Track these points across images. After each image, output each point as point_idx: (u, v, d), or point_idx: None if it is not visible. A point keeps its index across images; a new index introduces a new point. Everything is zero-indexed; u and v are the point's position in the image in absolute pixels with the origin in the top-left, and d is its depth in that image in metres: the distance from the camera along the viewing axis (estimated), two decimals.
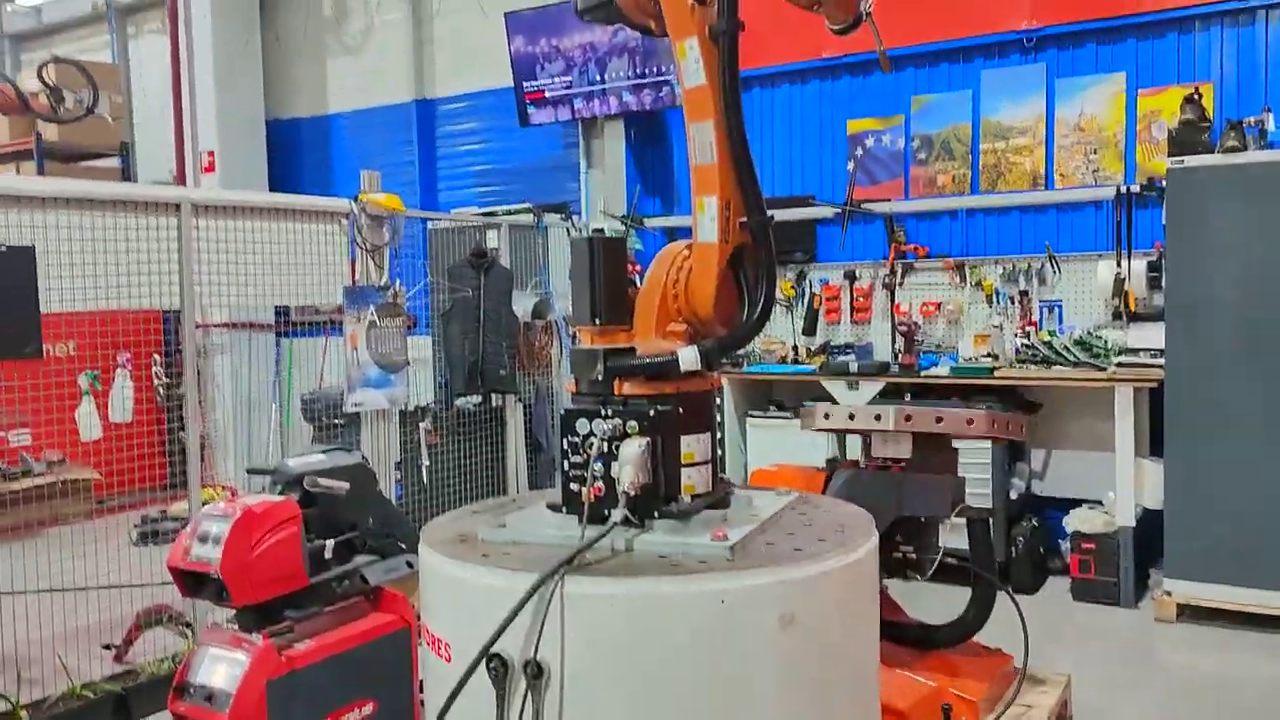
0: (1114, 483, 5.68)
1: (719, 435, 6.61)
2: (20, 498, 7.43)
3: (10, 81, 6.67)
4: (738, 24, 2.43)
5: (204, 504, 6.49)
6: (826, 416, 3.45)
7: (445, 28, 9.11)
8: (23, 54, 12.39)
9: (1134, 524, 5.64)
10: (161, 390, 5.14)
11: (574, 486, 2.43)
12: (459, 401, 6.55)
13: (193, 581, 2.85)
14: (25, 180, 6.89)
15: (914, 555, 3.43)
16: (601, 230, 6.99)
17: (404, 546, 3.45)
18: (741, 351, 6.66)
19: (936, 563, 3.40)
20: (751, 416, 6.89)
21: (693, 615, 2.10)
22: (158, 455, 6.24)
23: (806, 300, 7.24)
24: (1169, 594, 5.38)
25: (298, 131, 10.12)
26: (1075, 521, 5.84)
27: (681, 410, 2.43)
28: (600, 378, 2.46)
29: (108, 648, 4.90)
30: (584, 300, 2.57)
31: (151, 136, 10.74)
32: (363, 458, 3.30)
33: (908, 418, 3.22)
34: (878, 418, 3.24)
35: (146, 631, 4.93)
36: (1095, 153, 6.44)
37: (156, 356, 5.23)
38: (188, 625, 4.89)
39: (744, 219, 2.49)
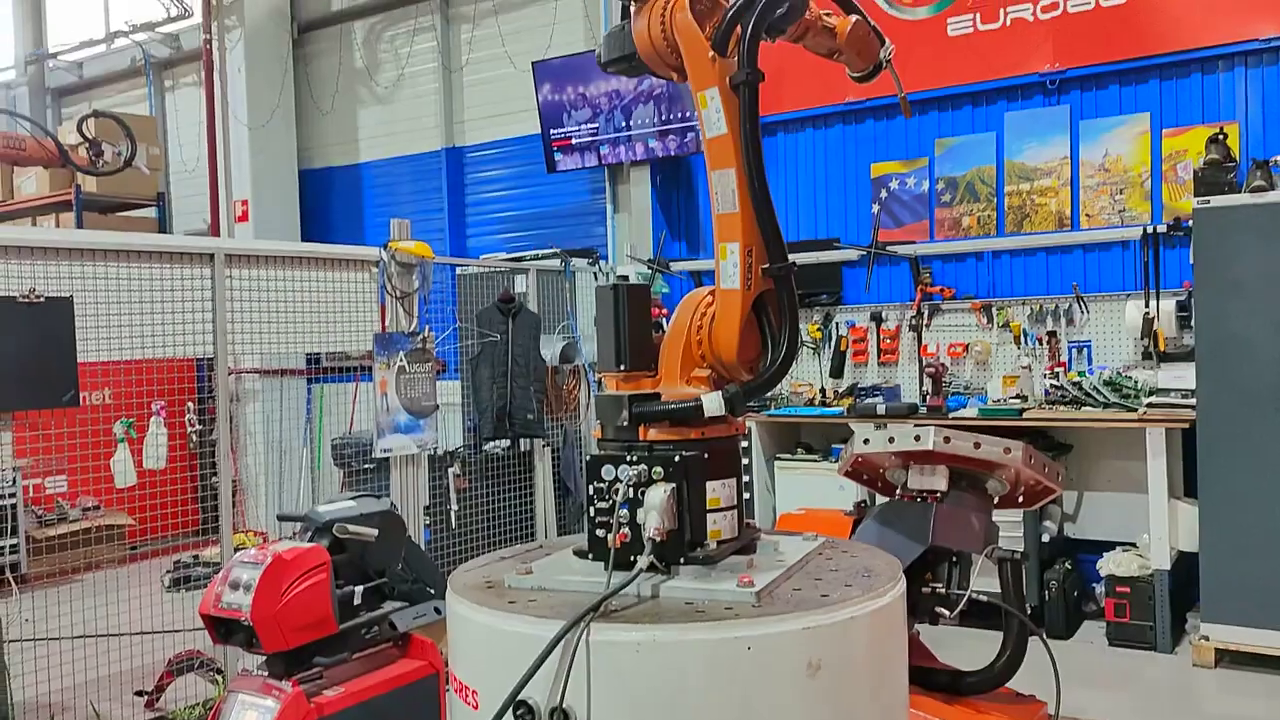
0: (1148, 525, 5.61)
1: (747, 478, 6.60)
2: (56, 544, 7.54)
3: (51, 135, 6.82)
4: (758, 74, 2.47)
5: (236, 549, 6.56)
6: (866, 442, 3.43)
7: (474, 77, 9.27)
8: (64, 108, 12.71)
9: (1169, 567, 5.56)
10: (195, 437, 5.21)
11: (600, 533, 2.44)
12: (487, 446, 6.58)
13: (223, 628, 2.88)
14: (63, 232, 7.02)
15: (943, 590, 3.40)
16: (626, 277, 7.06)
17: (432, 592, 3.47)
18: (769, 394, 6.66)
19: (965, 598, 3.36)
20: (780, 459, 6.87)
21: (719, 662, 2.09)
22: (191, 501, 6.31)
23: (833, 342, 7.24)
24: (1206, 639, 5.29)
25: (329, 180, 10.29)
26: (1109, 565, 5.77)
27: (707, 455, 2.44)
28: (625, 423, 2.48)
29: (140, 694, 4.93)
30: (609, 346, 2.59)
31: (187, 186, 10.98)
32: (391, 504, 3.33)
33: (946, 439, 3.21)
34: (917, 438, 3.22)
35: (178, 678, 4.97)
36: (1121, 193, 6.43)
37: (190, 404, 5.30)
38: (219, 672, 4.92)
39: (766, 265, 2.51)
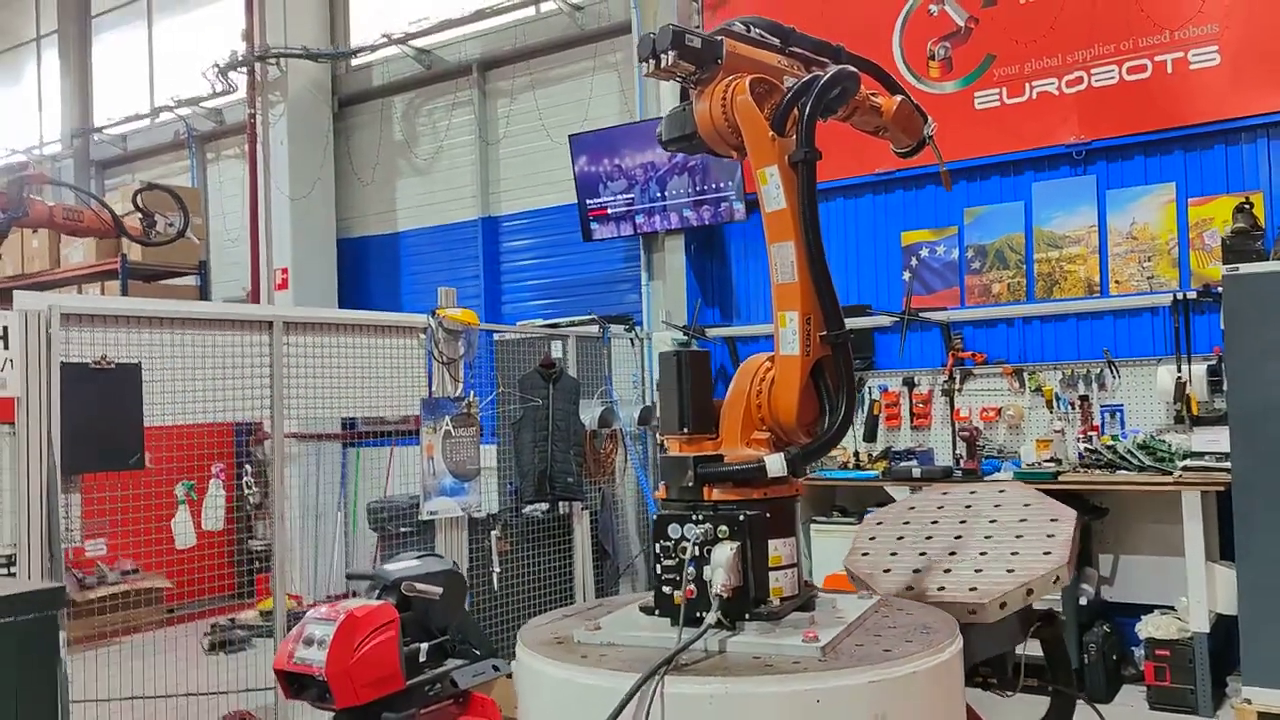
0: (1186, 588, 5.64)
1: None
2: (96, 607, 7.62)
3: (106, 206, 7.07)
4: (815, 153, 2.62)
5: (264, 613, 6.63)
6: (886, 572, 3.33)
7: (510, 149, 9.54)
8: (107, 179, 13.09)
9: (1208, 630, 5.56)
10: (252, 500, 5.33)
11: (666, 589, 2.54)
12: (527, 509, 6.67)
13: (296, 683, 2.96)
14: (134, 301, 7.10)
15: (994, 680, 3.41)
16: (689, 343, 7.21)
17: (478, 652, 3.54)
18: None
19: (1020, 678, 3.36)
20: (816, 522, 6.93)
21: (790, 715, 2.18)
22: (227, 565, 6.39)
23: (867, 407, 7.32)
24: (1249, 702, 5.27)
25: (367, 249, 10.54)
26: (1148, 628, 5.78)
27: (769, 515, 2.55)
28: (691, 484, 2.59)
29: None
30: (672, 410, 2.72)
31: (225, 255, 11.26)
32: (454, 564, 3.42)
33: (973, 588, 2.92)
34: (941, 589, 2.93)
35: None
36: (1149, 260, 6.56)
37: (247, 467, 5.44)
38: None
39: (824, 333, 2.64)
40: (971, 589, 2.91)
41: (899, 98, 3.18)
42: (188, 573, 5.51)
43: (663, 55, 2.63)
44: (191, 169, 11.96)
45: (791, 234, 2.63)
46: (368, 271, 10.54)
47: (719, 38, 2.70)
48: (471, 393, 5.77)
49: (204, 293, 10.76)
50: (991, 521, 3.22)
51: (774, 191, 2.66)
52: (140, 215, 6.98)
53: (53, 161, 13.48)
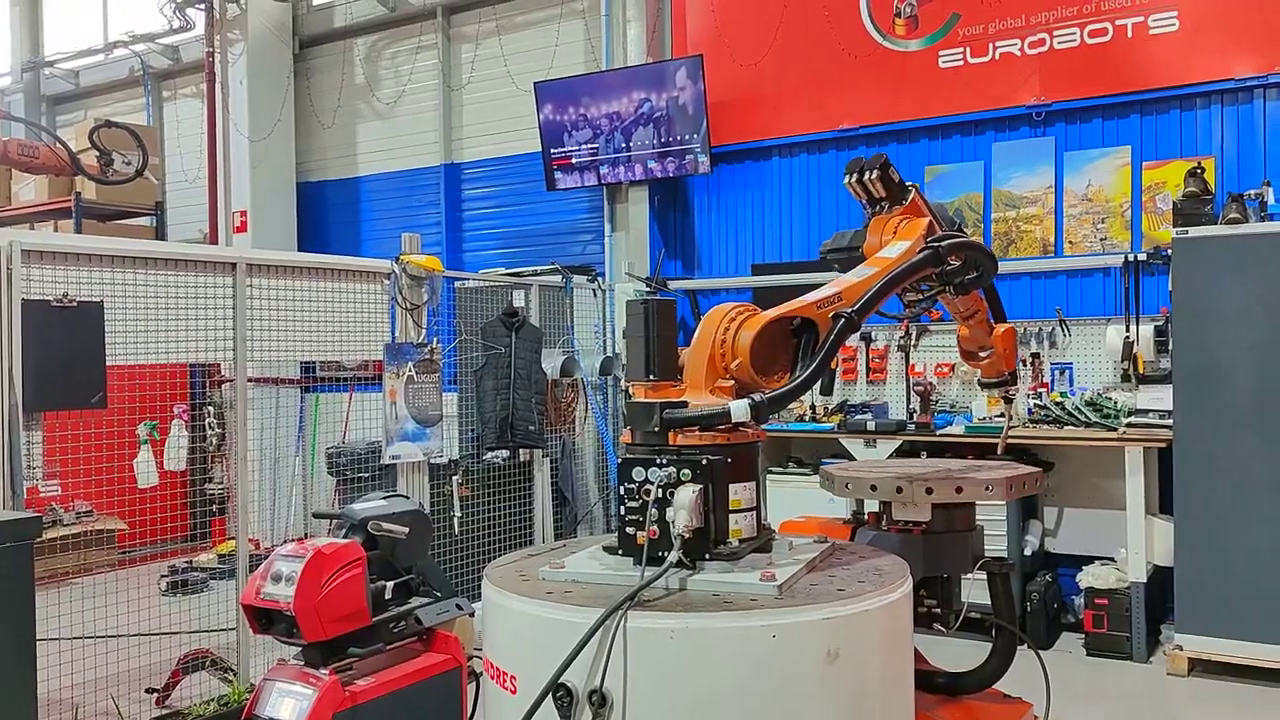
0: (1125, 540, 5.84)
1: None
2: (48, 547, 7.59)
3: (63, 143, 6.96)
4: (943, 253, 3.02)
5: (222, 556, 6.64)
6: (848, 486, 3.53)
7: (474, 95, 9.46)
8: (58, 115, 12.79)
9: (1145, 580, 5.79)
10: (215, 440, 5.33)
11: (630, 530, 2.62)
12: (487, 456, 6.73)
13: (264, 618, 3.02)
14: (93, 239, 7.00)
15: (939, 610, 3.57)
16: (655, 292, 7.27)
17: (439, 594, 3.62)
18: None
19: (961, 617, 3.53)
20: (772, 473, 7.06)
21: (746, 648, 2.28)
22: (181, 507, 6.39)
23: None
24: (1180, 649, 5.51)
25: (327, 193, 10.44)
26: (1088, 578, 5.99)
27: (730, 460, 2.62)
28: (656, 428, 2.65)
29: (150, 691, 5.05)
30: (639, 357, 2.78)
31: (181, 196, 11.08)
32: (420, 505, 3.48)
33: (929, 490, 3.32)
34: (900, 490, 3.31)
35: (187, 676, 5.09)
36: (1103, 222, 6.70)
37: (209, 409, 5.43)
38: (229, 669, 5.04)
39: (839, 311, 2.78)
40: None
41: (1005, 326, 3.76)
42: (142, 515, 5.51)
43: (868, 170, 3.21)
44: (147, 107, 11.71)
45: (879, 271, 2.92)
46: (327, 216, 10.44)
47: (911, 186, 3.31)
48: (435, 339, 5.79)
49: (160, 234, 10.55)
50: None
51: (894, 250, 3.05)
52: (97, 153, 6.89)
53: (1, 95, 13.13)
